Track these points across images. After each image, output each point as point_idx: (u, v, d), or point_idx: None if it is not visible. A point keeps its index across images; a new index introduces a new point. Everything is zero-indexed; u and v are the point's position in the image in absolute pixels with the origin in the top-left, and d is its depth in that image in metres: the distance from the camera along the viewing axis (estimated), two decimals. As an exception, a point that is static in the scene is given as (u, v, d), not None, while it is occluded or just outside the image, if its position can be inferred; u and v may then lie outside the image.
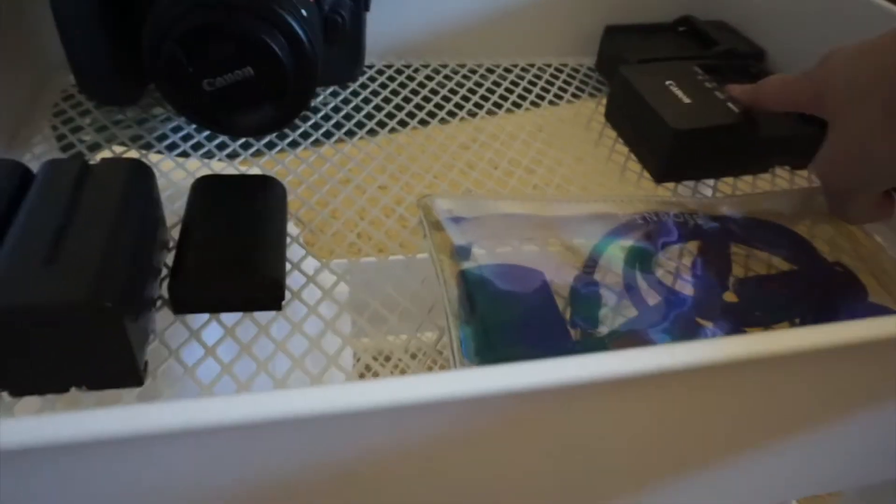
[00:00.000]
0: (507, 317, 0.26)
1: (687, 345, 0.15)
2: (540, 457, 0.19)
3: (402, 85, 0.47)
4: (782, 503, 0.57)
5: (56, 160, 0.28)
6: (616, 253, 0.30)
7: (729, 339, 0.16)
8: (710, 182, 0.42)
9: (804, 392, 0.19)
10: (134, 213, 0.27)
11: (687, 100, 0.39)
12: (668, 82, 0.40)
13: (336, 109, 0.43)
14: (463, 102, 0.46)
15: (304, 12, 0.33)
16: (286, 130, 0.40)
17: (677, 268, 0.31)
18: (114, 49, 0.35)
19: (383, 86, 0.46)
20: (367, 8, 0.40)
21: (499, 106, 0.46)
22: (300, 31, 0.32)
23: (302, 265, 0.31)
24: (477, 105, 0.46)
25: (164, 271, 0.29)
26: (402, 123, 0.43)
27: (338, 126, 0.42)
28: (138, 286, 0.25)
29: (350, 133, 0.42)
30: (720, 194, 0.40)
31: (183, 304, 0.26)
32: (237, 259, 0.27)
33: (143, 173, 0.28)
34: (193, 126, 0.40)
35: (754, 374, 0.18)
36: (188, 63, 0.32)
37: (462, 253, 0.29)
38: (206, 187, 0.30)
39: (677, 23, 0.50)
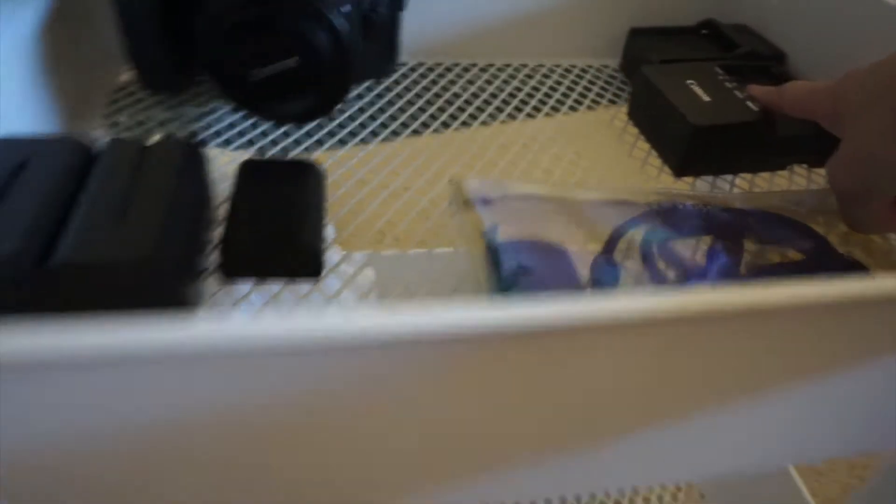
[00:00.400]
0: (530, 290, 0.28)
1: (672, 293, 0.17)
2: (531, 402, 0.21)
3: (434, 82, 0.49)
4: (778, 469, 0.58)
5: (118, 139, 0.30)
6: (636, 236, 0.32)
7: (714, 289, 0.18)
8: (728, 178, 0.43)
9: (793, 348, 0.21)
10: (188, 188, 0.29)
11: (707, 98, 0.40)
12: (689, 81, 0.42)
13: (370, 104, 0.46)
14: (491, 99, 0.48)
15: (344, 9, 0.35)
16: (323, 122, 0.43)
17: (694, 253, 0.32)
18: (169, 39, 0.38)
19: (415, 82, 0.48)
20: (402, 7, 0.43)
21: (525, 103, 0.48)
22: (340, 28, 0.35)
23: (334, 247, 0.34)
24: (504, 102, 0.48)
25: (212, 245, 0.31)
26: (431, 119, 0.45)
27: (371, 120, 0.44)
28: (192, 253, 0.28)
29: (382, 127, 0.44)
30: (737, 190, 0.41)
31: (233, 271, 0.28)
32: (281, 231, 0.29)
33: (195, 153, 0.31)
34: (238, 115, 0.42)
35: (735, 327, 0.19)
36: (237, 53, 0.34)
37: (490, 230, 0.31)
38: (252, 168, 0.33)
39: (700, 26, 0.51)
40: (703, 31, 0.51)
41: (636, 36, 0.50)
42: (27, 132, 0.36)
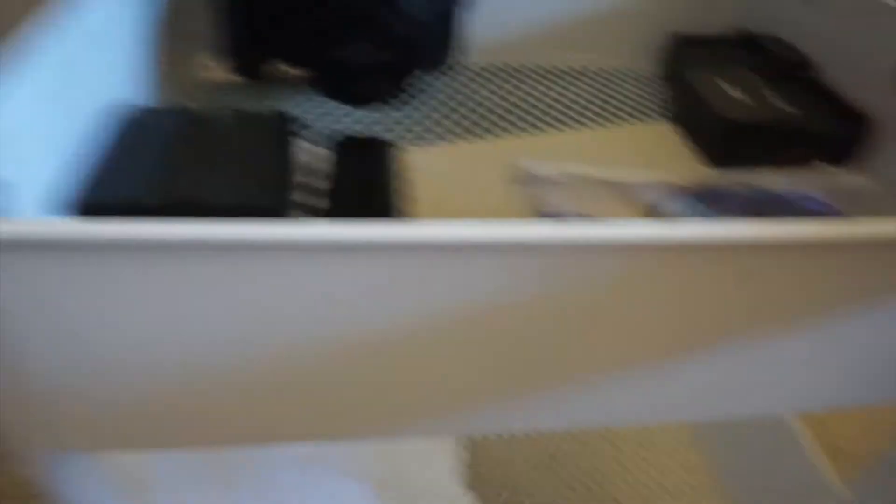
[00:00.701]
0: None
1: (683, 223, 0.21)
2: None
3: (488, 80, 0.53)
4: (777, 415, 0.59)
5: (228, 109, 0.35)
6: (680, 213, 0.36)
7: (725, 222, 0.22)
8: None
9: (822, 287, 0.24)
10: (283, 153, 0.34)
11: (739, 97, 0.44)
12: (723, 82, 0.46)
13: (425, 99, 0.50)
14: (540, 95, 0.52)
15: (419, 2, 0.39)
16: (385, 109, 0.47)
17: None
18: (255, 27, 0.42)
19: (471, 79, 0.53)
20: (467, 6, 0.47)
21: (568, 104, 0.52)
22: (415, 20, 0.39)
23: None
24: (553, 100, 0.52)
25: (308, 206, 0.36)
26: (484, 117, 0.49)
27: (422, 116, 0.48)
28: (289, 206, 0.32)
29: (427, 126, 0.48)
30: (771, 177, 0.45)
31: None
32: (375, 198, 0.33)
33: (287, 125, 0.36)
34: (312, 100, 0.46)
35: (761, 261, 0.23)
36: (316, 39, 0.39)
37: (545, 207, 0.36)
38: (344, 144, 0.37)
39: (736, 35, 0.55)
40: (739, 40, 0.55)
41: (677, 43, 0.54)
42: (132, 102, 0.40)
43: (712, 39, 0.55)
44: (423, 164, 0.43)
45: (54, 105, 0.30)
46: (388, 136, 0.45)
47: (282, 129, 0.35)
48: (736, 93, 0.45)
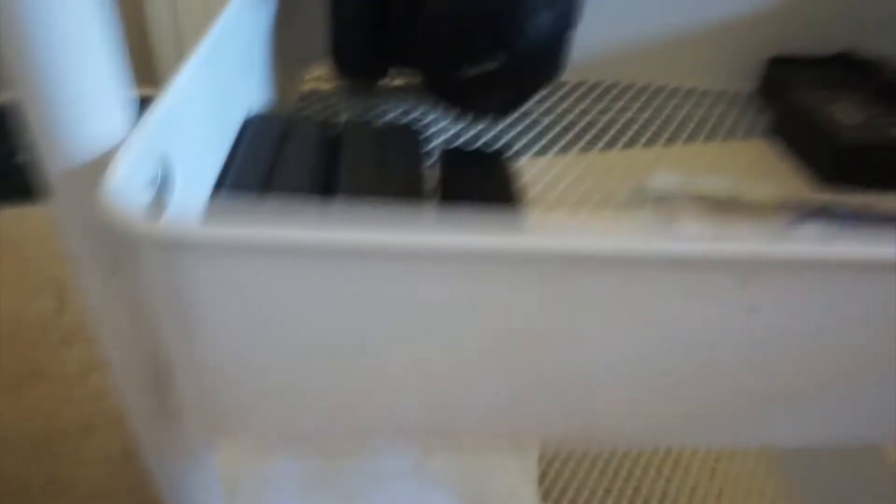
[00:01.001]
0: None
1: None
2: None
3: (587, 96, 0.53)
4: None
5: (354, 122, 0.35)
6: (810, 235, 0.35)
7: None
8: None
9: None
10: (419, 164, 0.34)
11: (853, 119, 0.44)
12: (833, 104, 0.45)
13: (527, 114, 0.50)
14: (637, 116, 0.52)
15: (543, 18, 0.40)
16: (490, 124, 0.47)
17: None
18: (374, 35, 0.43)
19: (574, 96, 0.53)
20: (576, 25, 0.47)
21: (665, 127, 0.52)
22: (540, 37, 0.39)
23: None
24: (648, 121, 0.52)
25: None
26: (587, 132, 0.49)
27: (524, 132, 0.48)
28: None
29: (529, 142, 0.48)
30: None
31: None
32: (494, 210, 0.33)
33: (418, 134, 0.36)
34: (424, 109, 0.47)
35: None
36: (449, 53, 0.39)
37: (667, 224, 0.35)
38: (454, 155, 0.37)
39: (839, 56, 0.55)
40: (842, 61, 0.54)
41: (777, 64, 0.54)
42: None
43: (816, 61, 0.54)
44: (534, 176, 0.43)
45: (202, 110, 0.31)
46: (494, 149, 0.45)
47: (412, 141, 0.36)
48: (848, 114, 0.44)
